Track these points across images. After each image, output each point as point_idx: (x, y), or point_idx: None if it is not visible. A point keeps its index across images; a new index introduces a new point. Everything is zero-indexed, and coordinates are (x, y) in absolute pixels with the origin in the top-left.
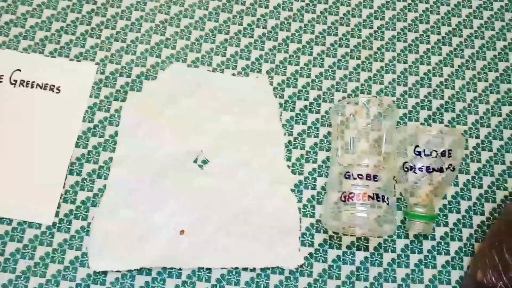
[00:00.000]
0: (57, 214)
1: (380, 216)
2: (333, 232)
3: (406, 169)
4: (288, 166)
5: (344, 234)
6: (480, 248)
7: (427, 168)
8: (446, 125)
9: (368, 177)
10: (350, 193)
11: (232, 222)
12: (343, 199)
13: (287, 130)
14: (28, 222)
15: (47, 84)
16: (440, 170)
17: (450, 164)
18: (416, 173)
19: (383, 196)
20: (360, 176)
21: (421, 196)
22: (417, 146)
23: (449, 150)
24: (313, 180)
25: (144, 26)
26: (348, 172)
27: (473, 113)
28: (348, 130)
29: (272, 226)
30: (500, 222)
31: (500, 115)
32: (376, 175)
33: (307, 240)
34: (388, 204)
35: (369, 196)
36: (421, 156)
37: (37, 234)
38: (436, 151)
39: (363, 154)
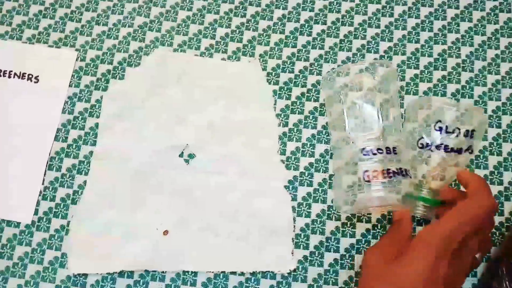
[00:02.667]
0: (36, 212)
1: (398, 188)
2: (330, 233)
3: (421, 145)
4: (282, 161)
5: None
6: (496, 254)
7: (445, 148)
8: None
9: (388, 151)
10: (374, 170)
11: (219, 222)
12: (366, 178)
13: (282, 120)
14: (7, 220)
15: (25, 73)
16: (459, 151)
17: (470, 146)
18: (432, 151)
19: (406, 170)
20: (380, 151)
21: (433, 177)
22: (439, 121)
23: (472, 130)
24: (309, 176)
25: (126, 7)
26: (365, 148)
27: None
28: (348, 103)
29: (263, 227)
30: None
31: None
32: (395, 147)
33: (302, 242)
34: (411, 177)
35: (393, 172)
36: (441, 133)
37: (15, 233)
38: (459, 130)
39: (374, 125)
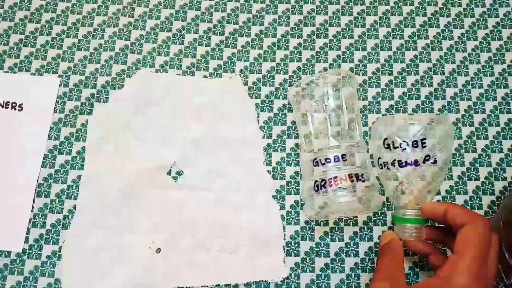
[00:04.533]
0: (26, 240)
1: (364, 195)
2: (320, 239)
3: (380, 166)
4: (268, 171)
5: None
6: None
7: (399, 163)
8: (437, 114)
9: (336, 159)
10: (333, 177)
11: (209, 238)
12: (315, 188)
13: (266, 132)
14: None
15: (9, 102)
16: (415, 163)
17: (428, 156)
18: (389, 169)
19: (361, 174)
20: (328, 160)
21: (412, 193)
22: (386, 139)
23: (422, 140)
24: (295, 185)
25: (107, 31)
26: (316, 158)
27: (465, 99)
28: (312, 113)
29: (253, 238)
30: (499, 217)
31: (495, 99)
32: (345, 155)
33: (292, 249)
34: (363, 181)
35: (352, 175)
36: (390, 150)
37: (6, 263)
38: (407, 142)
39: (335, 134)
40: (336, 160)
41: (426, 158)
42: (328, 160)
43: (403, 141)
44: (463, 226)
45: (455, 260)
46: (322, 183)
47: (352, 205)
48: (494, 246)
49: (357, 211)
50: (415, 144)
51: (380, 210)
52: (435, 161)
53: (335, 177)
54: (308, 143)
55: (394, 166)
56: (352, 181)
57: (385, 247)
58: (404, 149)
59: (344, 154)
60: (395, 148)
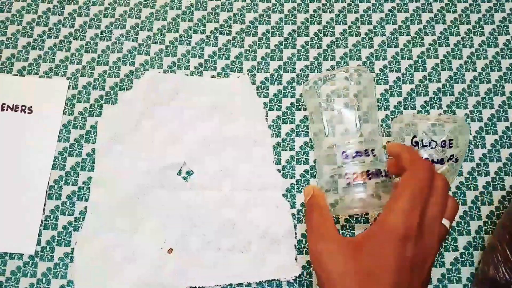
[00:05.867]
0: (38, 242)
1: (379, 189)
2: None
3: None
4: (278, 170)
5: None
6: (490, 242)
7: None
8: (445, 111)
9: (366, 153)
10: (353, 173)
11: (220, 237)
12: (345, 181)
13: (274, 131)
14: (9, 253)
15: (18, 105)
16: (441, 161)
17: (452, 155)
18: None
19: (379, 170)
20: (358, 154)
21: None
22: (415, 136)
23: (450, 140)
24: (306, 183)
25: (114, 33)
26: (344, 151)
27: (473, 95)
28: (329, 108)
29: (264, 236)
30: (509, 212)
31: (503, 94)
32: (373, 149)
33: (304, 247)
34: (384, 176)
35: (371, 173)
36: (418, 147)
37: (19, 265)
38: (436, 142)
39: (353, 128)
40: (358, 155)
41: (451, 157)
42: (348, 156)
43: (433, 140)
44: (405, 172)
45: (390, 203)
46: (339, 178)
47: (368, 201)
48: (438, 188)
49: (375, 207)
50: (443, 144)
51: None
52: (456, 160)
53: (353, 173)
54: (325, 135)
55: None
56: (370, 177)
57: (311, 203)
58: (432, 148)
59: (366, 149)
60: (424, 146)
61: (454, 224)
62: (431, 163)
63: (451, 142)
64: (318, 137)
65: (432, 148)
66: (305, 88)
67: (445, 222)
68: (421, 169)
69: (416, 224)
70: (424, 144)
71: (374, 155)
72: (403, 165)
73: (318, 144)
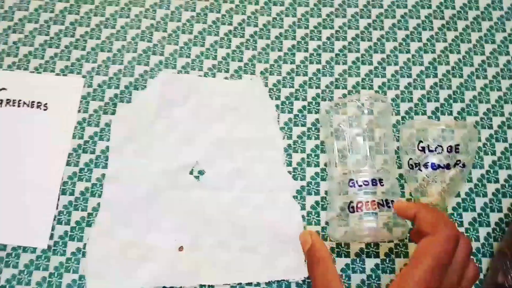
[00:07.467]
0: (51, 237)
1: (390, 221)
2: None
3: (410, 166)
4: (289, 172)
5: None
6: (499, 249)
7: (432, 165)
8: (455, 117)
9: (374, 182)
10: (358, 202)
11: (232, 236)
12: (351, 210)
13: (286, 133)
14: (23, 246)
15: (34, 101)
16: (447, 167)
17: (459, 160)
18: (421, 170)
19: (391, 200)
20: (365, 183)
21: (433, 195)
22: (421, 141)
23: (456, 145)
24: (316, 185)
25: (129, 33)
26: (352, 179)
27: (484, 102)
28: (341, 137)
29: (274, 237)
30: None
31: None
32: (382, 179)
33: None
34: (391, 207)
35: (378, 203)
36: (425, 152)
37: (32, 259)
38: (442, 147)
39: (363, 158)
40: (365, 184)
41: (457, 162)
42: (355, 184)
43: (439, 146)
44: (426, 236)
45: (408, 270)
46: (349, 207)
47: (378, 231)
48: (459, 258)
49: (384, 238)
50: (449, 149)
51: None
52: (463, 166)
53: (364, 202)
54: (338, 163)
55: (427, 168)
56: (380, 207)
57: (311, 254)
58: (438, 153)
59: (374, 179)
60: (430, 151)
61: (462, 229)
62: (455, 226)
63: (457, 147)
64: (330, 166)
65: (438, 153)
66: (321, 115)
67: None
68: (445, 237)
69: None
70: (430, 149)
71: (385, 186)
72: (423, 229)
73: (330, 171)
